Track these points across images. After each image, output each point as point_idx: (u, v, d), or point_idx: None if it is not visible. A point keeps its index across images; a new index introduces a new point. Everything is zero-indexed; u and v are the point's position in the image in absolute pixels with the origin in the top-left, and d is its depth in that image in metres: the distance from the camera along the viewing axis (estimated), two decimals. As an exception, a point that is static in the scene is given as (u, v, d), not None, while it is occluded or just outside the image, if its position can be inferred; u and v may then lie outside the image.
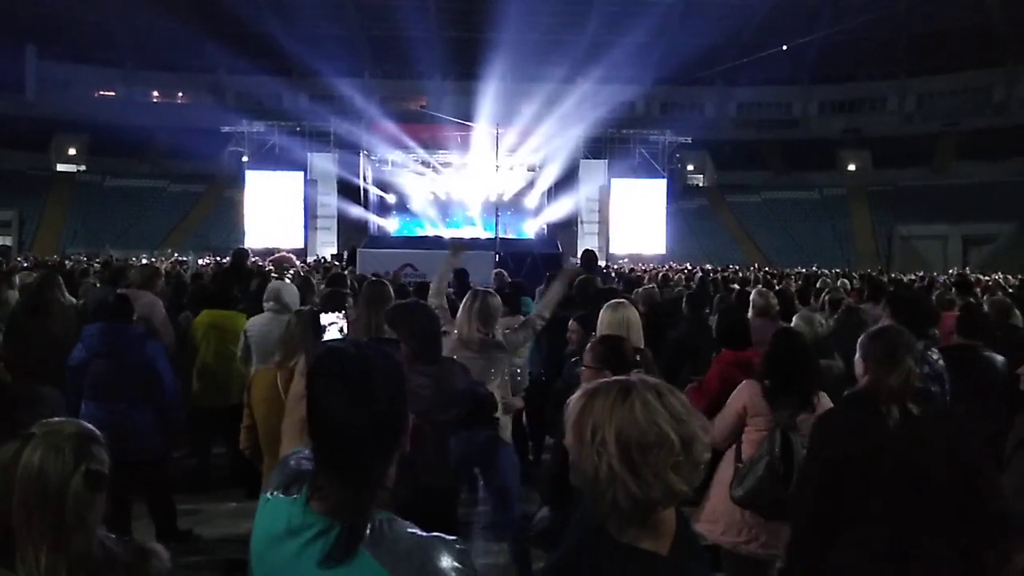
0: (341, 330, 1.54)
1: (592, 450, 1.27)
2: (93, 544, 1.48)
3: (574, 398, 1.35)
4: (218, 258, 20.90)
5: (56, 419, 1.56)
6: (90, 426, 1.57)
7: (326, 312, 1.54)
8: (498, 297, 4.06)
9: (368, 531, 1.26)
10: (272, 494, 1.37)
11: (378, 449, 1.31)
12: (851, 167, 41.07)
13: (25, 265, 14.30)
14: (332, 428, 1.30)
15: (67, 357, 4.50)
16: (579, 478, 1.31)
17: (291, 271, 10.42)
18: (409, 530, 1.29)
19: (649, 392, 1.30)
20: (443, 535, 1.31)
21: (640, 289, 7.22)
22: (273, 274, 9.13)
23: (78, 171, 38.72)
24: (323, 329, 1.53)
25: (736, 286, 9.87)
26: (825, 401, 3.29)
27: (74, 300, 6.67)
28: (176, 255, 23.22)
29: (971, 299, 7.75)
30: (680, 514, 1.37)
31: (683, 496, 1.29)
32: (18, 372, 4.83)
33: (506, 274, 8.37)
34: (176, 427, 4.64)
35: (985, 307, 5.73)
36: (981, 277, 17.43)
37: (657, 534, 1.31)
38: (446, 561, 1.26)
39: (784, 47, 28.98)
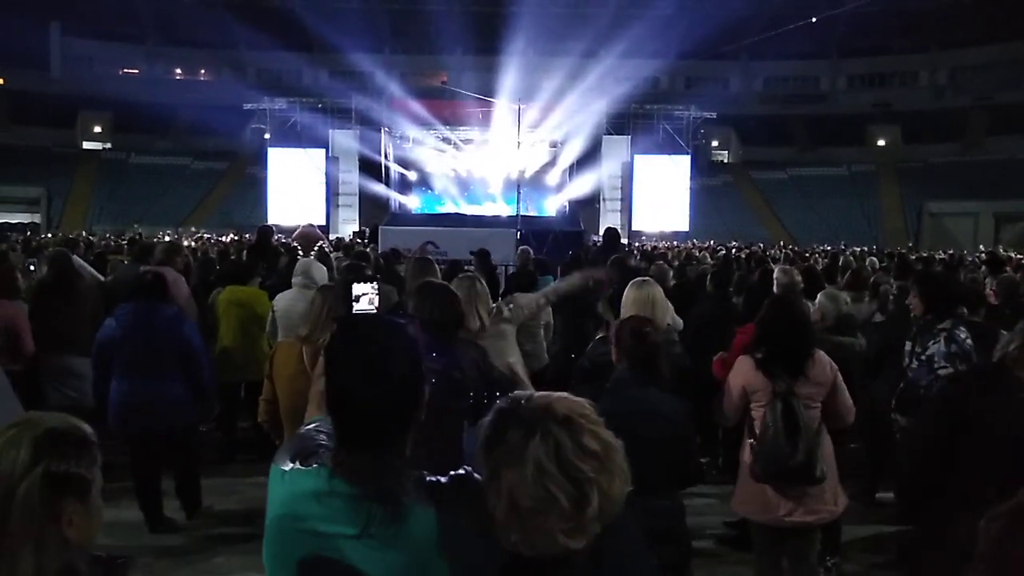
0: (371, 301, 1.53)
1: (490, 490, 1.21)
2: (50, 562, 1.20)
3: (486, 421, 1.25)
4: (247, 236, 21.09)
5: (41, 412, 1.32)
6: (78, 424, 1.31)
7: (357, 283, 1.53)
8: (482, 282, 3.99)
9: (412, 489, 1.31)
10: (288, 466, 1.38)
11: (396, 423, 1.34)
12: (880, 143, 40.25)
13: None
14: (350, 403, 1.33)
15: (93, 332, 4.60)
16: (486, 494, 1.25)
17: (316, 246, 10.47)
18: (429, 479, 1.35)
19: (546, 445, 1.17)
20: (459, 473, 1.37)
21: (651, 266, 7.10)
22: (299, 251, 9.20)
23: (103, 148, 39.13)
24: (355, 300, 1.52)
25: (754, 264, 9.74)
26: (823, 360, 3.31)
27: (101, 277, 6.78)
28: (202, 232, 23.45)
29: (1003, 278, 7.60)
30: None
31: (577, 548, 1.18)
32: (45, 345, 4.97)
33: (531, 252, 8.32)
34: (209, 403, 4.73)
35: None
36: (1012, 255, 17.07)
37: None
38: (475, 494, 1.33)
39: (812, 19, 28.29)
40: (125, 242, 13.68)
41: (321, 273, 5.11)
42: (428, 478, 1.34)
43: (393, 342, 1.35)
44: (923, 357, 3.99)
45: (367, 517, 1.28)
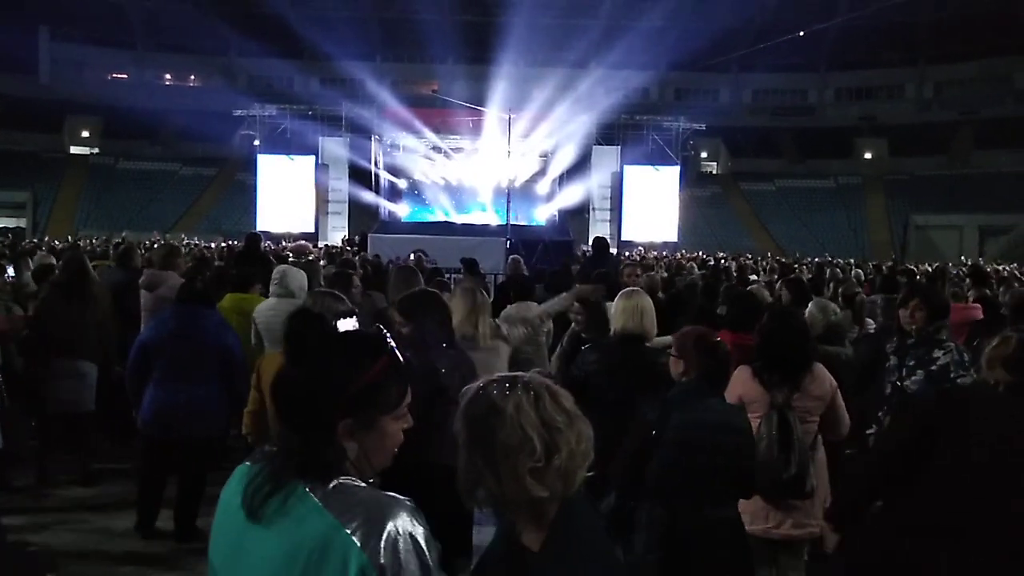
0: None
1: (466, 449, 1.34)
2: None
3: (471, 388, 1.39)
4: (232, 242, 20.99)
5: None
6: None
7: (341, 319, 1.58)
8: (484, 293, 3.99)
9: (331, 488, 1.26)
10: (244, 464, 1.40)
11: (307, 407, 1.29)
12: (867, 155, 40.67)
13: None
14: (277, 378, 1.36)
15: (105, 336, 4.80)
16: (459, 464, 1.36)
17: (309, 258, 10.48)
18: (369, 491, 1.28)
19: (527, 394, 1.32)
20: (398, 496, 1.28)
21: (644, 275, 7.12)
22: (290, 260, 9.16)
23: (91, 153, 38.89)
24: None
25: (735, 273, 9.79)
26: (823, 374, 3.33)
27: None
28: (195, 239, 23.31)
29: (986, 291, 7.68)
30: (568, 507, 1.33)
31: (545, 500, 1.30)
32: (52, 347, 4.95)
33: (522, 261, 8.33)
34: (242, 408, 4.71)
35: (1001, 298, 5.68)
36: (997, 268, 17.26)
37: (533, 528, 1.33)
38: (399, 518, 1.23)
39: (800, 33, 28.57)
40: (112, 247, 13.59)
41: (297, 279, 4.91)
42: (347, 482, 1.27)
43: (334, 336, 1.40)
44: (933, 368, 3.99)
45: (254, 490, 1.29)
